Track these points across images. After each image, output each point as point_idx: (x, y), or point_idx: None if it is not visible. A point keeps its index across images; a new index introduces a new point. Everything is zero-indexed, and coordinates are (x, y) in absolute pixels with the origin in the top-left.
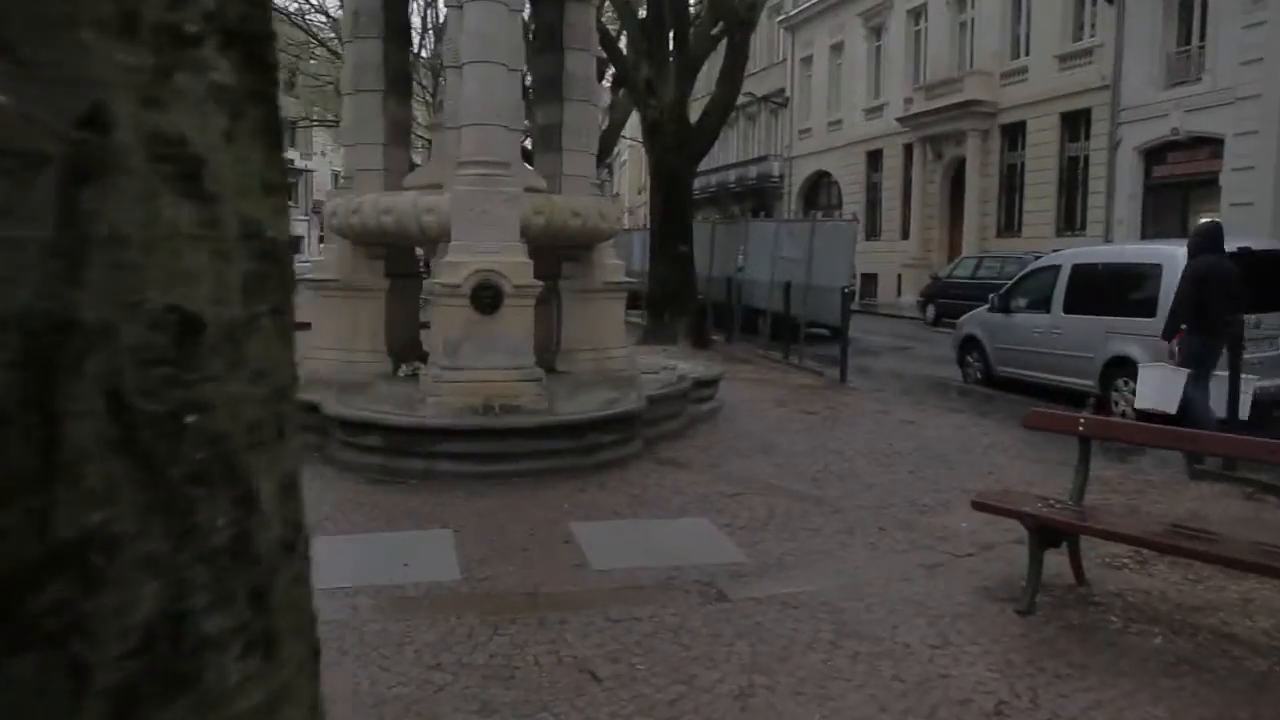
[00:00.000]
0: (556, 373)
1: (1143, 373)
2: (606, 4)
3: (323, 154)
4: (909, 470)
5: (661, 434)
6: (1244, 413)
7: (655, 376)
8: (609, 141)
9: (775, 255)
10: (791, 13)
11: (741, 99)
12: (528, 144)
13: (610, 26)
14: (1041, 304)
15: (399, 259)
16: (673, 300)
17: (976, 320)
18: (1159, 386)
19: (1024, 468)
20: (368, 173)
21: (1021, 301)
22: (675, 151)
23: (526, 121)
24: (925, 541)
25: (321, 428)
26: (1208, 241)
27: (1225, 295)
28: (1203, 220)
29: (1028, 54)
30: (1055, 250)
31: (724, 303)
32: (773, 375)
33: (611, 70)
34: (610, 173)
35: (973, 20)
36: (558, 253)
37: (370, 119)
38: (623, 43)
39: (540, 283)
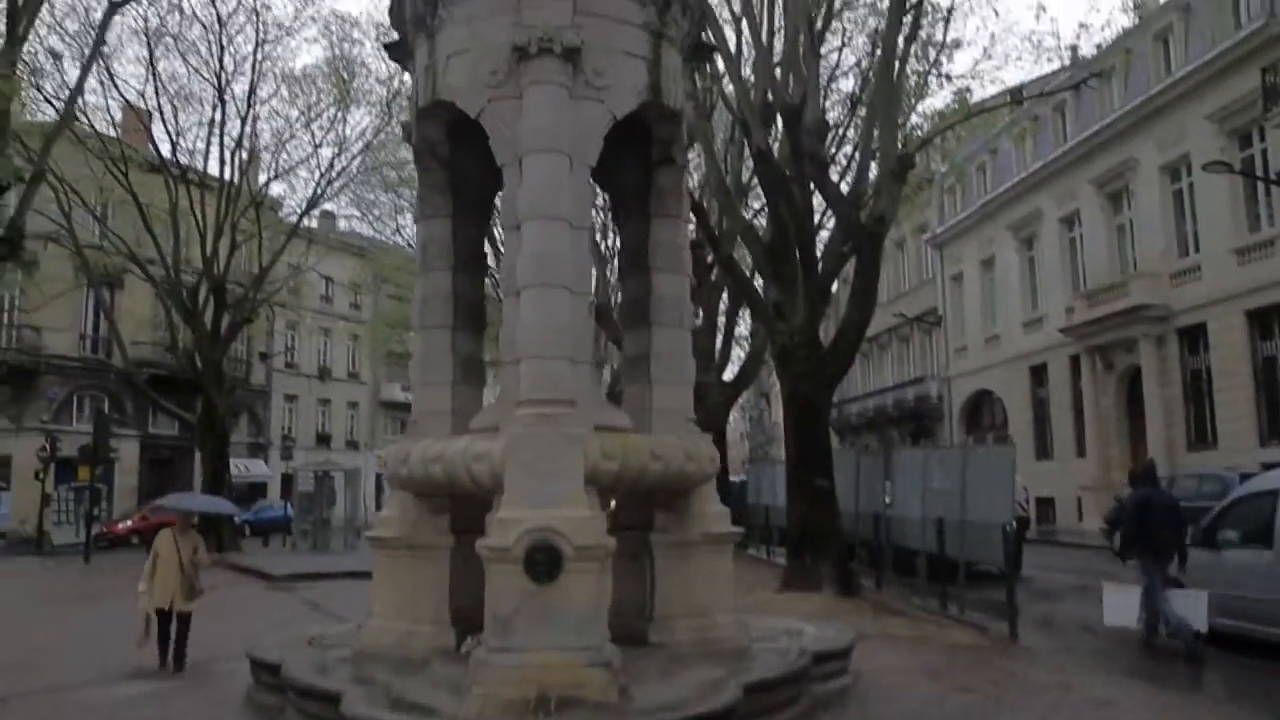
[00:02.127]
0: (650, 644)
1: (1105, 595)
2: (728, 227)
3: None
4: None
5: None
6: (1202, 625)
7: (772, 645)
8: (750, 370)
9: (925, 487)
10: (938, 230)
11: (893, 320)
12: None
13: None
14: (1259, 537)
15: (467, 511)
16: (814, 540)
17: None
18: (1118, 606)
19: None
20: (433, 415)
21: (1232, 534)
22: (808, 378)
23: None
24: None
25: None
26: (1145, 474)
27: (1165, 520)
28: (1143, 460)
29: (1198, 250)
30: (1266, 466)
31: (873, 542)
32: (927, 630)
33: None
34: (768, 402)
35: (1131, 222)
36: (649, 499)
37: (438, 356)
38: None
39: (610, 541)
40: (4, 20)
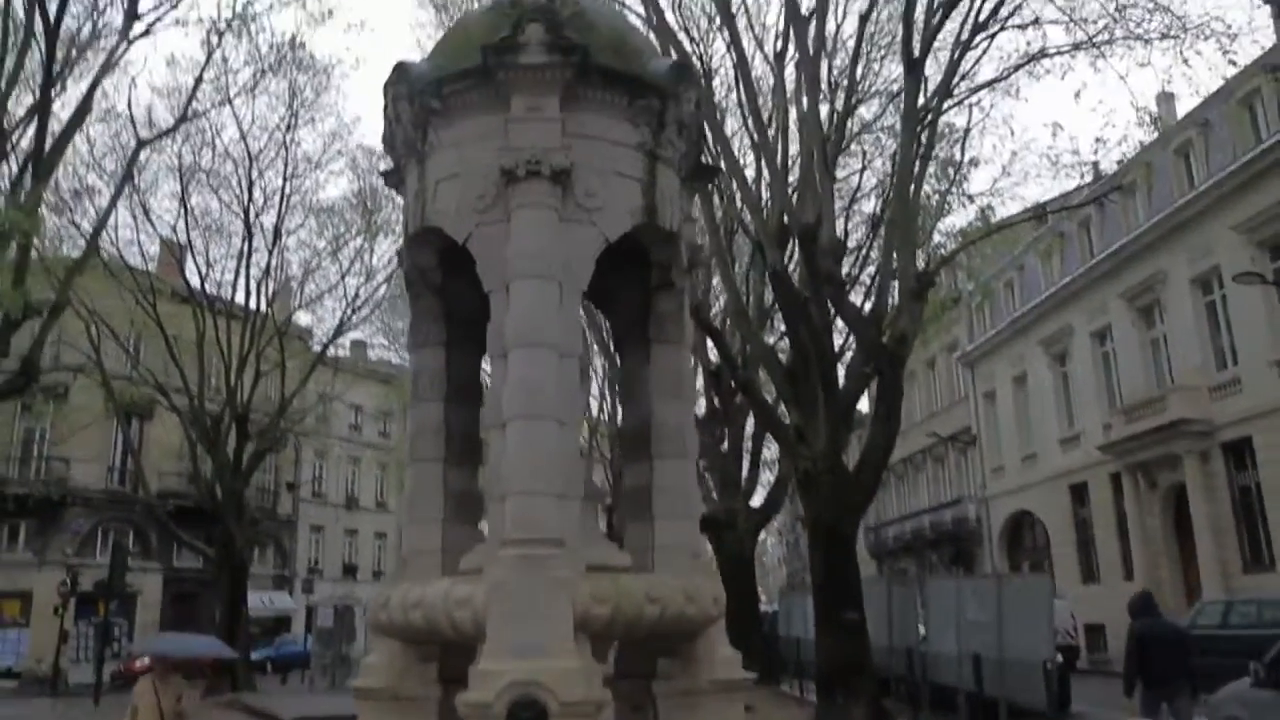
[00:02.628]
0: None
1: None
2: (750, 352)
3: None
4: None
5: None
6: None
7: None
8: (778, 495)
9: (961, 619)
10: (968, 348)
11: (926, 440)
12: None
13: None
14: None
15: (457, 658)
16: (845, 677)
17: (1238, 699)
18: None
19: None
20: (423, 554)
21: None
22: (832, 505)
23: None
24: None
25: None
26: (1143, 605)
27: (1169, 653)
28: (1137, 592)
29: (1236, 363)
30: None
31: (908, 677)
32: None
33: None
34: (803, 526)
35: (1165, 335)
36: (651, 645)
37: (428, 491)
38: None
39: (603, 695)
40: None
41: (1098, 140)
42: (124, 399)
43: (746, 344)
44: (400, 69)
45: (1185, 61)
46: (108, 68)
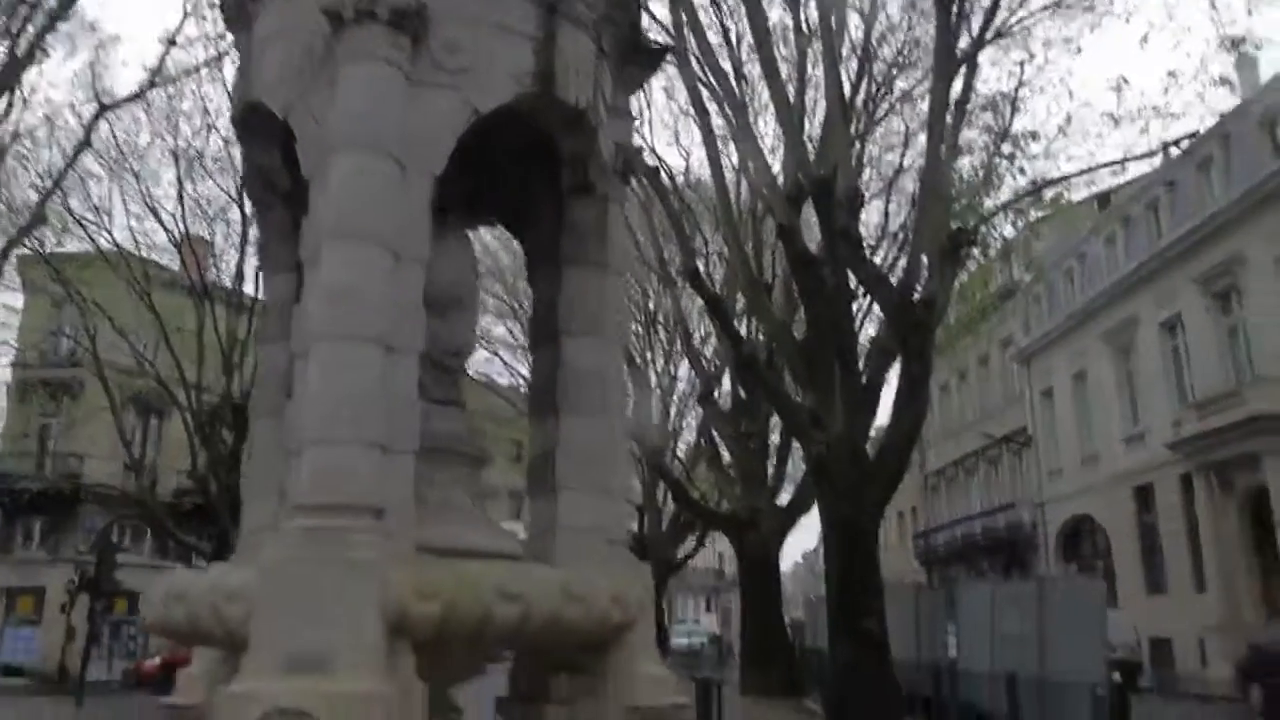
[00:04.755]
0: None
1: None
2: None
3: None
4: None
5: None
6: None
7: None
8: (808, 492)
9: (995, 632)
10: (1024, 344)
11: (980, 442)
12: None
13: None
14: None
15: None
16: (862, 695)
17: None
18: None
19: None
20: (260, 534)
21: None
22: (850, 497)
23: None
24: None
25: None
26: None
27: None
28: None
29: None
30: None
31: (934, 698)
32: None
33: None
34: None
35: (1243, 324)
36: (542, 661)
37: (266, 456)
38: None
39: None
40: None
41: (1169, 76)
42: (128, 393)
43: (754, 316)
44: None
45: None
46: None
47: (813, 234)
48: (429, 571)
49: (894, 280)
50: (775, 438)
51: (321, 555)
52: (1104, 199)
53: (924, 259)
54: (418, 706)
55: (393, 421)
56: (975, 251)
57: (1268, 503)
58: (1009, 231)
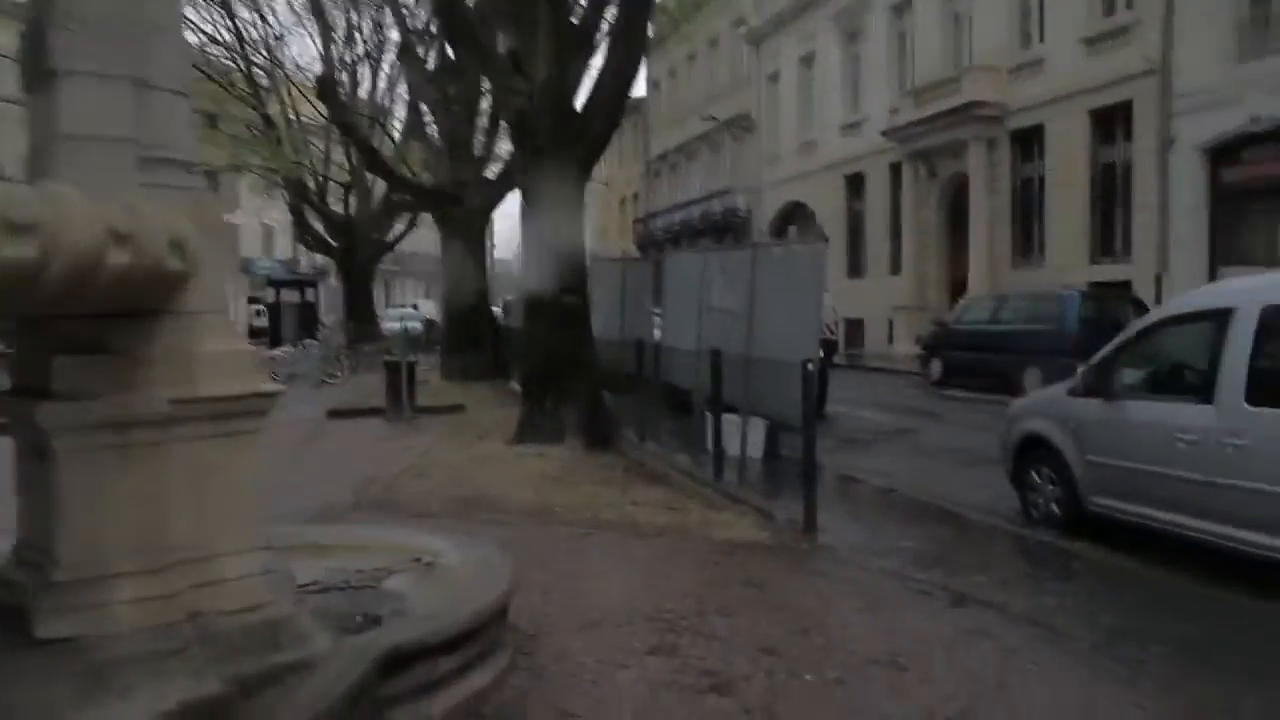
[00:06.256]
0: (44, 644)
1: None
2: None
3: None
4: None
5: None
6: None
7: (353, 606)
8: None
9: (703, 305)
10: (755, 24)
11: (703, 124)
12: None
13: None
14: (1192, 385)
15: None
16: (558, 379)
17: (1048, 408)
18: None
19: None
20: None
21: (1141, 377)
22: (554, 153)
23: None
24: None
25: None
26: None
27: None
28: None
29: (1042, 41)
30: (1095, 285)
31: (638, 377)
32: (690, 516)
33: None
34: None
35: (970, 11)
36: (50, 333)
37: None
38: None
39: None
40: None
41: None
42: None
43: None
44: None
45: None
46: None
47: None
48: None
49: None
50: (486, 105)
51: None
52: None
53: None
54: None
55: None
56: None
57: (967, 191)
58: None
